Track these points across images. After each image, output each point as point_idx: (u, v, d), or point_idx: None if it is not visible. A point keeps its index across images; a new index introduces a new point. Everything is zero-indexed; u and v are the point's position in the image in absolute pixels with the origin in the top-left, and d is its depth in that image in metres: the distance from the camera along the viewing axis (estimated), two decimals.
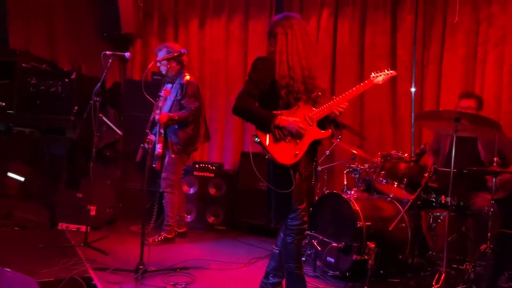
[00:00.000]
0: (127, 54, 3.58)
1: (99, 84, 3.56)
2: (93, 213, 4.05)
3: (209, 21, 5.28)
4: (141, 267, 2.98)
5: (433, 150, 3.67)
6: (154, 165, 3.99)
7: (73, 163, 4.58)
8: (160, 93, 3.62)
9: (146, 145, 3.12)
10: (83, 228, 3.89)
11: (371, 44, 4.72)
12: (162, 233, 3.98)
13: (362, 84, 2.67)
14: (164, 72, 3.91)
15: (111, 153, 4.64)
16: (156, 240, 3.92)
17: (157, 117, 3.71)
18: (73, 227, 4.12)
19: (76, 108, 4.31)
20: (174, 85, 3.93)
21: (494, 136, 3.06)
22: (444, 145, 3.54)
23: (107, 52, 3.53)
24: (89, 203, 3.90)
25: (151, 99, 3.15)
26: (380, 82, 2.71)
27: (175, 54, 3.29)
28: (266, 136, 2.45)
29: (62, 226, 4.15)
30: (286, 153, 2.45)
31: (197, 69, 5.19)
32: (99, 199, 4.22)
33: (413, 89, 4.52)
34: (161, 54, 3.77)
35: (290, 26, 2.50)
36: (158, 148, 3.82)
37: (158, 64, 3.84)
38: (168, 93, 3.77)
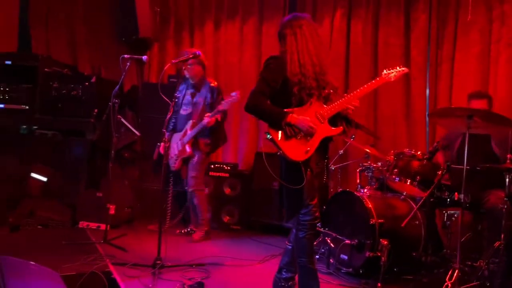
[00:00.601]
0: (144, 58, 3.70)
1: (117, 86, 3.69)
2: (112, 212, 4.16)
3: (223, 24, 5.39)
4: (159, 262, 3.07)
5: (443, 145, 3.66)
6: (173, 165, 4.11)
7: (93, 164, 4.72)
8: (177, 94, 3.75)
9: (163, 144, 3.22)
10: (103, 226, 4.02)
11: (384, 44, 4.74)
12: (202, 228, 4.14)
13: (373, 81, 2.69)
14: (188, 76, 4.10)
15: (129, 154, 4.77)
16: (200, 236, 4.09)
17: (206, 120, 3.90)
18: (93, 225, 4.25)
19: (96, 110, 4.46)
20: (201, 89, 4.11)
21: (507, 133, 3.05)
22: (454, 143, 3.54)
23: (125, 56, 3.66)
24: (109, 202, 4.02)
25: (168, 100, 3.25)
26: (392, 79, 2.72)
27: (190, 56, 3.40)
28: (278, 133, 2.52)
29: (83, 224, 4.28)
30: (297, 150, 2.51)
31: (212, 72, 5.29)
32: (118, 199, 4.34)
33: (427, 90, 4.52)
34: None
35: (298, 26, 2.56)
36: (188, 149, 3.99)
37: (184, 68, 4.04)
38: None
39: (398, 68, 2.73)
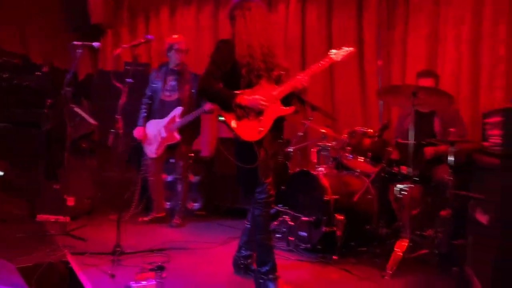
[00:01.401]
0: (95, 44, 3.62)
1: (69, 74, 3.60)
2: (71, 203, 4.10)
3: (179, 10, 5.35)
4: (118, 249, 3.06)
5: (396, 134, 3.83)
6: (155, 151, 4.15)
7: (49, 155, 4.62)
8: (152, 79, 4.11)
9: (116, 131, 3.21)
10: (62, 218, 3.94)
11: (339, 27, 4.83)
12: (181, 214, 4.24)
13: (322, 61, 2.72)
14: (177, 63, 4.16)
15: (87, 144, 4.69)
16: (181, 221, 4.18)
17: (207, 107, 3.92)
18: (52, 218, 4.14)
19: (49, 101, 4.35)
20: (185, 76, 4.16)
21: (449, 108, 3.22)
22: (404, 121, 3.70)
23: (76, 43, 3.58)
24: (67, 193, 3.96)
25: (121, 86, 3.21)
26: (339, 59, 2.76)
27: (142, 41, 3.36)
28: (230, 115, 2.56)
29: (41, 217, 4.17)
30: (250, 130, 2.55)
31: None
32: (77, 190, 4.27)
33: (379, 72, 4.66)
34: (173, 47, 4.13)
35: (248, 8, 2.59)
36: (177, 135, 4.07)
37: (170, 53, 4.14)
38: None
39: (345, 48, 2.79)
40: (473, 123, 3.93)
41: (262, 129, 2.57)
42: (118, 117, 3.17)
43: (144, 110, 4.23)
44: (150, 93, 4.23)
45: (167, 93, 4.16)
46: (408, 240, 3.02)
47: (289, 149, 4.11)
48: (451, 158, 3.00)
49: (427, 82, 3.55)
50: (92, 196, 4.58)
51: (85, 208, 4.47)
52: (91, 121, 4.14)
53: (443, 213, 3.08)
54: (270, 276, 2.57)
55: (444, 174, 3.24)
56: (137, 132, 4.17)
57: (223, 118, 2.58)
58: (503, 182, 2.09)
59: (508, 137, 2.09)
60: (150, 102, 4.23)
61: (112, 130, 3.18)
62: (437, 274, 2.96)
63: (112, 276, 2.72)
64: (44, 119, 4.40)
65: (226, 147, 2.92)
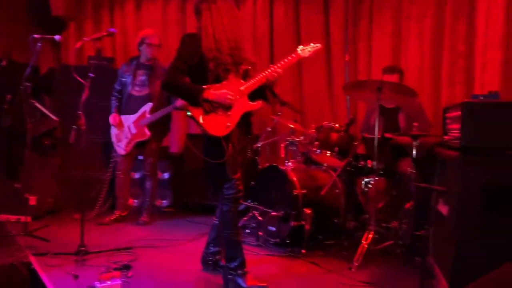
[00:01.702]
0: (56, 37, 3.47)
1: (28, 69, 3.45)
2: (33, 202, 3.96)
3: (145, 2, 5.23)
4: (82, 248, 2.98)
5: (362, 129, 3.90)
6: (124, 148, 4.06)
7: (10, 152, 4.43)
8: (122, 73, 4.05)
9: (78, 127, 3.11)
10: (23, 218, 3.80)
11: (306, 22, 4.87)
12: (149, 211, 4.20)
13: (289, 57, 2.70)
14: (149, 58, 4.10)
15: (50, 141, 4.52)
16: (149, 219, 4.14)
17: (179, 103, 3.85)
18: (13, 218, 4.00)
19: (9, 96, 4.18)
20: (157, 71, 4.07)
21: (414, 103, 3.31)
22: (371, 116, 3.77)
23: (35, 36, 3.43)
24: (29, 192, 3.82)
25: (83, 81, 3.11)
26: (307, 55, 2.76)
27: (104, 34, 3.26)
28: (197, 109, 2.53)
29: (1, 217, 4.02)
30: (218, 125, 2.53)
31: (135, 53, 5.12)
32: (39, 189, 4.13)
33: (346, 67, 4.74)
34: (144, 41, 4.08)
35: (213, 1, 2.57)
36: (147, 132, 4.01)
37: (141, 48, 4.07)
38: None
39: (312, 44, 2.79)
40: (435, 117, 4.06)
41: (229, 124, 2.56)
42: (80, 113, 3.08)
43: (115, 101, 4.13)
44: (119, 88, 4.14)
45: (137, 88, 4.08)
46: (372, 232, 3.09)
47: (258, 145, 4.12)
48: (413, 152, 3.09)
49: (391, 77, 3.63)
50: (56, 195, 4.44)
51: (48, 207, 4.33)
52: (52, 117, 3.99)
53: (407, 205, 3.17)
54: (239, 271, 2.57)
55: (407, 167, 3.33)
56: (112, 119, 4.07)
57: (190, 113, 2.55)
58: (462, 175, 2.16)
59: (466, 130, 2.16)
60: (119, 96, 4.14)
61: (74, 127, 3.07)
62: (401, 265, 3.04)
63: (76, 276, 2.65)
64: (4, 115, 4.22)
65: (194, 144, 2.89)
